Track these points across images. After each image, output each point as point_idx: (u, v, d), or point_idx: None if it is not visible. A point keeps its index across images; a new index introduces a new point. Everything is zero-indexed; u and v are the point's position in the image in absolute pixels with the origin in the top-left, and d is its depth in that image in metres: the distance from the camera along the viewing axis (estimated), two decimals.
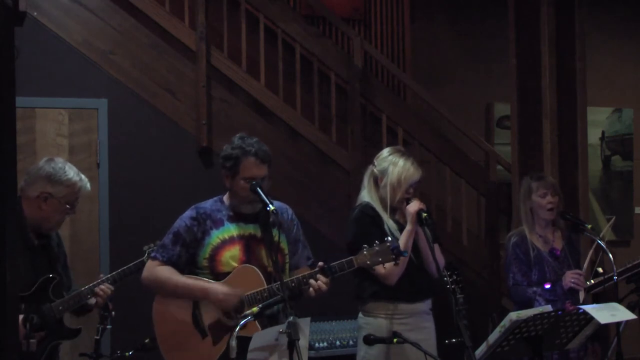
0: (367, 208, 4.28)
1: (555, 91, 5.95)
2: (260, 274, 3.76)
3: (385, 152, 4.37)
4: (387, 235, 4.15)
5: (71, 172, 4.06)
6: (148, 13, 6.33)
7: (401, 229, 4.23)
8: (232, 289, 3.74)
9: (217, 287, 3.76)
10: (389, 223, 4.25)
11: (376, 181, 4.33)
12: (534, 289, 4.82)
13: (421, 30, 7.86)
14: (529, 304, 4.73)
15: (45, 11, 6.04)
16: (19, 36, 5.48)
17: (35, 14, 5.98)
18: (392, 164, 4.26)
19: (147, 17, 6.32)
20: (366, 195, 4.34)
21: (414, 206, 4.16)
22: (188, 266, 3.88)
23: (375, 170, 4.33)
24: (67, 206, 4.04)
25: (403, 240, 4.14)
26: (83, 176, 4.13)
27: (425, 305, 4.31)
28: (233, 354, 3.27)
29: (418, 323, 4.25)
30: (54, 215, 4.03)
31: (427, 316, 4.32)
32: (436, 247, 4.14)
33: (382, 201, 4.29)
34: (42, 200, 3.99)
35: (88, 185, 4.14)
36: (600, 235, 4.86)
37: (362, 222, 4.25)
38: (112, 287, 4.13)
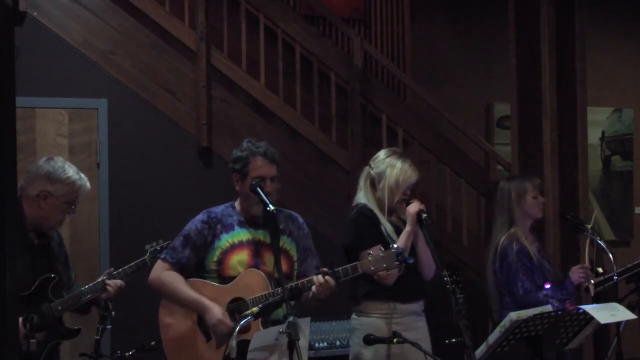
0: (365, 209, 4.26)
1: (555, 91, 5.95)
2: (265, 278, 3.78)
3: (382, 154, 4.35)
4: (384, 237, 4.17)
5: (70, 171, 4.06)
6: (148, 13, 6.33)
7: (398, 230, 4.22)
8: (226, 319, 3.76)
9: (214, 312, 3.78)
10: (386, 225, 4.23)
11: (373, 183, 4.30)
12: (544, 292, 4.72)
13: (421, 30, 7.86)
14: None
15: (45, 11, 6.04)
16: (19, 36, 5.47)
17: (35, 14, 5.98)
18: (390, 167, 4.25)
19: (147, 17, 6.32)
20: (362, 196, 4.32)
21: (414, 207, 4.15)
22: (196, 269, 3.91)
23: (372, 172, 4.31)
24: (67, 205, 4.04)
25: (402, 241, 4.13)
26: (82, 175, 4.12)
27: (418, 306, 4.31)
28: (233, 354, 3.27)
29: (411, 323, 4.24)
30: (54, 214, 4.03)
31: (419, 317, 4.31)
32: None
33: (379, 203, 4.27)
34: (41, 199, 3.99)
35: (88, 184, 4.14)
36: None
37: (359, 224, 4.24)
38: (122, 282, 4.16)
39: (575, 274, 4.74)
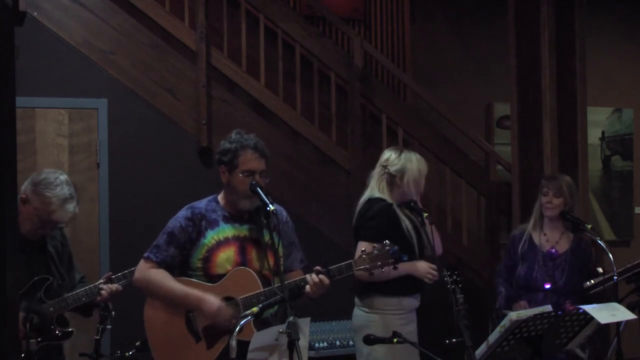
0: (387, 206, 4.48)
1: (555, 91, 5.95)
2: (257, 277, 3.72)
3: (393, 153, 4.58)
4: (405, 234, 4.42)
5: (56, 192, 3.96)
6: (148, 13, 6.33)
7: (414, 226, 4.47)
8: (225, 306, 3.69)
9: (211, 301, 3.69)
10: (406, 222, 4.48)
11: (390, 182, 4.52)
12: (501, 288, 5.10)
13: (421, 30, 7.85)
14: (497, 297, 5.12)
15: (45, 11, 6.04)
16: (19, 36, 5.48)
17: (35, 14, 5.98)
18: (409, 161, 4.52)
19: (147, 17, 6.32)
20: (378, 194, 4.53)
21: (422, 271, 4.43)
22: (180, 267, 3.82)
23: (391, 171, 4.52)
24: (38, 219, 3.98)
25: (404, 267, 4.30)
26: (70, 206, 4.01)
27: (417, 299, 4.56)
28: (233, 354, 3.25)
29: (411, 317, 4.53)
30: (25, 222, 3.98)
31: (415, 311, 4.58)
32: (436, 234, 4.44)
33: (401, 198, 4.51)
34: (21, 202, 3.98)
35: (67, 214, 4.01)
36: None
37: (383, 220, 4.44)
38: (119, 286, 4.14)
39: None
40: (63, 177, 4.05)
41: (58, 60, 6.05)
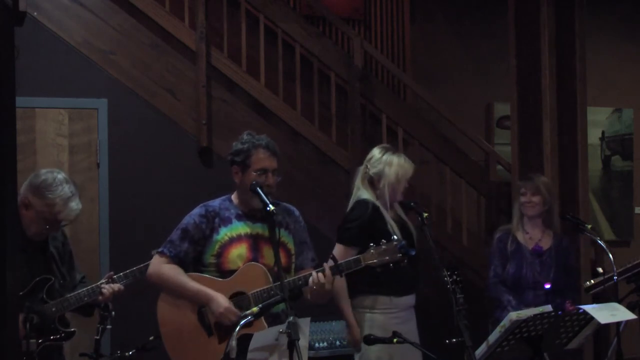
0: (374, 207, 4.42)
1: (555, 91, 5.95)
2: (267, 272, 3.79)
3: (377, 153, 4.53)
4: (390, 233, 4.30)
5: (60, 192, 3.96)
6: (148, 13, 6.33)
7: (400, 225, 4.41)
8: (233, 307, 3.75)
9: (220, 301, 3.76)
10: (392, 223, 4.41)
11: (371, 182, 4.49)
12: (509, 298, 4.98)
13: (421, 30, 7.85)
14: (499, 307, 4.98)
15: (45, 11, 6.04)
16: (19, 36, 5.47)
17: (35, 14, 5.98)
18: (387, 165, 4.44)
19: (147, 17, 6.32)
20: (365, 194, 4.48)
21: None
22: (194, 264, 3.89)
23: (370, 172, 4.48)
24: (44, 221, 3.97)
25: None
26: (74, 204, 4.01)
27: (412, 299, 4.49)
28: (233, 354, 3.27)
29: (407, 316, 4.46)
30: (30, 225, 3.98)
31: (412, 310, 4.51)
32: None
33: (381, 200, 4.45)
34: (23, 207, 3.97)
35: (72, 213, 4.01)
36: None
37: (361, 224, 4.39)
38: (121, 286, 4.13)
39: None
40: (60, 175, 4.04)
41: (58, 60, 6.05)
